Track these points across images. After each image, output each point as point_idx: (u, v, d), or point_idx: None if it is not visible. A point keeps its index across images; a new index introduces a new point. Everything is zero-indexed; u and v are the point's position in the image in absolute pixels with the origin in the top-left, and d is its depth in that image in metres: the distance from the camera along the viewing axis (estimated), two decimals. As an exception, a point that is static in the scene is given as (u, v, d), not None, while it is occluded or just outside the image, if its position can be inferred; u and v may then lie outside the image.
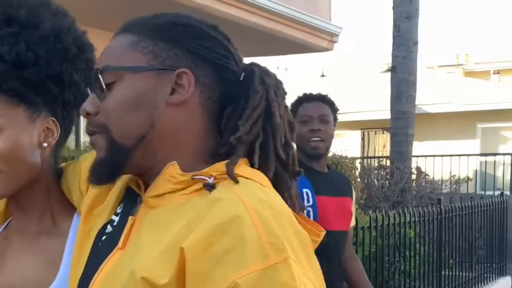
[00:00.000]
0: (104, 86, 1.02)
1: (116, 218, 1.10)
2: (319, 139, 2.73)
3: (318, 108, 2.80)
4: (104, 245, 1.07)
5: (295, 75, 22.16)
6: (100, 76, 1.02)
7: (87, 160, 1.19)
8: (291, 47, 7.83)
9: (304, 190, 2.67)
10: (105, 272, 1.02)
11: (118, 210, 1.11)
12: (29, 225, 1.26)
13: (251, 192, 0.94)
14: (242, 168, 1.00)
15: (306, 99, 2.85)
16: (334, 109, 2.87)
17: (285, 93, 1.09)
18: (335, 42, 8.08)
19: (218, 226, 0.89)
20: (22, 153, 1.19)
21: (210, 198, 0.96)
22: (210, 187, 0.97)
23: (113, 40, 1.08)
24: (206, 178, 0.99)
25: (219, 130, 1.05)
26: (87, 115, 1.05)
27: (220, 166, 0.99)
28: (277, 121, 1.03)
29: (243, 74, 1.06)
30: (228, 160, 0.99)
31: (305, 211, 2.58)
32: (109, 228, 1.10)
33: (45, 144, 1.22)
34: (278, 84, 1.08)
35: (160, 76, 1.01)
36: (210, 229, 0.90)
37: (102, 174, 1.05)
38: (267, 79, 1.06)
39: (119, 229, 1.04)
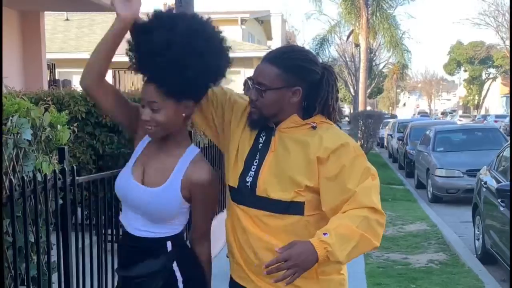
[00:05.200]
0: (262, 91, 2.24)
1: (263, 138, 2.33)
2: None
3: None
4: (261, 150, 2.31)
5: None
6: (258, 86, 2.25)
7: (239, 103, 2.46)
8: (83, 5, 8.52)
9: None
10: (267, 166, 2.27)
11: (262, 134, 2.33)
12: (164, 147, 2.43)
13: (336, 127, 2.33)
14: (324, 119, 2.32)
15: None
16: None
17: (337, 81, 2.39)
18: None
19: (334, 139, 2.25)
20: (171, 121, 2.33)
21: (319, 131, 2.27)
22: (314, 128, 2.28)
23: (265, 65, 2.27)
24: (311, 123, 2.29)
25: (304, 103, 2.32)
26: (251, 100, 2.29)
27: (317, 118, 2.30)
28: (333, 100, 2.31)
29: (320, 73, 2.29)
30: (321, 116, 2.31)
31: None
32: (260, 142, 2.33)
33: (184, 115, 2.35)
34: (335, 79, 2.34)
35: (288, 90, 2.26)
36: (331, 141, 2.24)
37: (256, 125, 2.33)
38: (331, 78, 2.31)
39: (267, 142, 2.31)
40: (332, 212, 2.21)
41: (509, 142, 8.54)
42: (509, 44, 39.38)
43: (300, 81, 2.26)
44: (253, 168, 2.30)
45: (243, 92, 5.80)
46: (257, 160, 2.31)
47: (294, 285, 2.17)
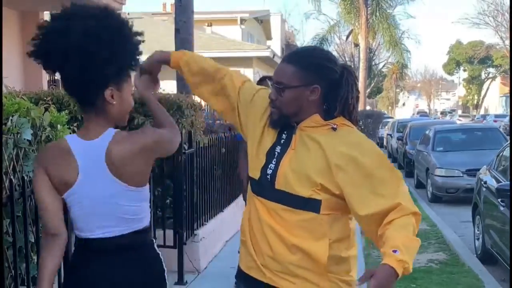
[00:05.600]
0: (280, 91, 2.29)
1: (285, 135, 2.37)
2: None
3: (267, 82, 5.22)
4: (282, 145, 2.35)
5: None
6: (277, 85, 2.30)
7: (265, 98, 2.43)
8: None
9: None
10: (286, 161, 2.32)
11: (284, 132, 2.37)
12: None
13: (357, 131, 2.35)
14: (345, 121, 2.34)
15: (263, 78, 5.71)
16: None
17: (357, 81, 2.41)
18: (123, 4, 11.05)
19: (355, 144, 2.28)
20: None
21: (338, 133, 2.29)
22: (334, 129, 2.30)
23: (283, 64, 2.32)
24: (331, 124, 2.31)
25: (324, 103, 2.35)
26: (271, 100, 2.34)
27: (339, 120, 2.32)
28: (353, 99, 2.34)
29: (339, 72, 2.31)
30: (342, 118, 2.32)
31: None
32: (283, 138, 2.37)
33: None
34: (355, 78, 2.36)
35: (306, 88, 2.29)
36: (351, 144, 2.27)
37: (277, 125, 2.37)
38: (350, 77, 2.33)
39: (288, 140, 2.35)
40: (368, 218, 2.23)
41: (509, 142, 8.54)
42: (509, 44, 39.39)
43: (318, 79, 2.29)
44: (274, 161, 2.35)
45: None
46: (278, 154, 2.35)
47: (307, 280, 2.27)
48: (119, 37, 2.23)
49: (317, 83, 2.28)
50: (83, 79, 2.21)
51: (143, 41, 2.36)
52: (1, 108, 2.84)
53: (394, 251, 2.06)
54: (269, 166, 2.35)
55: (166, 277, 2.43)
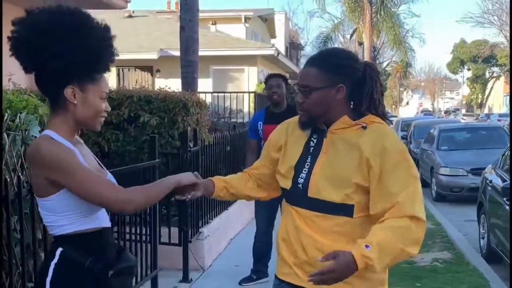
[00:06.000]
0: (307, 93, 2.34)
1: (314, 141, 2.42)
2: (276, 95, 5.79)
3: (275, 80, 5.85)
4: (312, 153, 2.40)
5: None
6: (303, 88, 2.35)
7: (275, 137, 2.59)
8: (89, 4, 8.85)
9: (258, 122, 5.91)
10: (319, 167, 2.35)
11: (313, 137, 2.43)
12: None
13: (386, 127, 2.37)
14: (374, 118, 2.36)
15: (270, 75, 6.04)
16: (284, 79, 5.91)
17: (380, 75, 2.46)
18: (128, 2, 10.86)
19: (382, 144, 2.29)
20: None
21: (368, 131, 2.33)
22: (364, 128, 2.33)
23: (307, 68, 2.37)
24: (361, 123, 2.34)
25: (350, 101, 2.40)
26: (298, 103, 2.39)
27: (368, 118, 2.35)
28: (378, 94, 2.39)
29: (362, 70, 2.36)
30: (372, 116, 2.36)
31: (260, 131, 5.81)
32: (312, 145, 2.42)
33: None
34: (377, 73, 2.42)
35: (331, 88, 2.33)
36: (378, 140, 2.29)
37: (306, 126, 2.42)
38: (373, 73, 2.38)
39: (318, 145, 2.40)
40: (375, 217, 2.28)
41: (514, 141, 8.51)
42: (513, 43, 39.29)
43: (343, 79, 2.33)
44: (305, 170, 2.40)
45: (266, 91, 5.97)
46: (308, 162, 2.40)
47: (343, 281, 2.22)
48: (73, 35, 2.16)
49: (342, 83, 2.33)
50: (38, 73, 2.21)
51: (110, 45, 2.29)
52: (1, 108, 2.84)
53: (366, 246, 2.12)
54: (300, 176, 2.40)
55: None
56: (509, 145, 8.48)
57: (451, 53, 72.75)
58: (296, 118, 2.52)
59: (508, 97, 57.60)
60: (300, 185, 2.39)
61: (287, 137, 2.53)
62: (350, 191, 2.28)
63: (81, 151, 2.29)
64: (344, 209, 2.30)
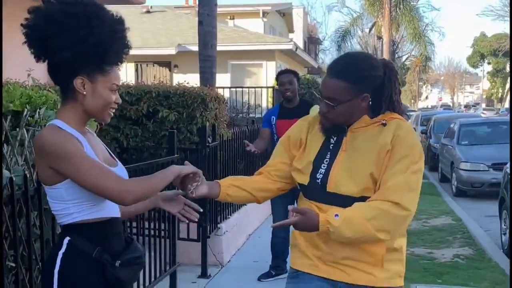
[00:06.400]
0: (332, 105, 2.38)
1: (334, 139, 2.46)
2: (289, 92, 5.82)
3: (287, 76, 5.88)
4: (332, 150, 2.45)
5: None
6: (330, 101, 2.38)
7: (295, 134, 2.61)
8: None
9: (272, 116, 5.93)
10: (339, 163, 2.41)
11: (333, 136, 2.46)
12: None
13: (405, 123, 2.44)
14: (393, 114, 2.44)
15: (281, 72, 6.07)
16: (296, 75, 5.94)
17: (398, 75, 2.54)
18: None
19: (398, 135, 2.37)
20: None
21: (388, 127, 2.40)
22: (384, 125, 2.40)
23: (333, 80, 2.37)
24: (381, 120, 2.41)
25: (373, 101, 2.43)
26: (323, 113, 2.43)
27: (386, 114, 2.43)
28: (397, 95, 2.47)
29: (383, 72, 2.42)
30: (390, 113, 2.44)
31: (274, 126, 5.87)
32: (331, 142, 2.47)
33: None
34: (396, 73, 2.48)
35: (357, 98, 2.38)
36: (395, 134, 2.37)
37: (330, 132, 2.46)
38: (392, 74, 2.45)
39: (338, 143, 2.45)
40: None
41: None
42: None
43: (367, 88, 2.39)
44: (324, 166, 2.45)
45: (278, 87, 5.97)
46: (327, 159, 2.45)
47: (363, 271, 2.38)
48: (84, 26, 2.16)
49: (366, 92, 2.39)
50: (49, 63, 2.22)
51: (122, 38, 2.28)
52: (1, 106, 2.84)
53: (336, 215, 2.26)
54: (319, 171, 2.45)
55: (54, 278, 2.21)
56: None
57: (471, 47, 72.09)
58: (314, 115, 2.59)
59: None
60: (318, 180, 2.43)
61: (308, 133, 2.57)
62: (368, 185, 2.35)
63: (90, 141, 2.28)
64: (362, 202, 2.34)
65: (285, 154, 2.63)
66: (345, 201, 2.35)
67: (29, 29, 2.19)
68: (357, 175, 2.36)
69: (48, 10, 2.18)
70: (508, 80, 66.67)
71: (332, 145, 2.47)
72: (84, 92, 2.21)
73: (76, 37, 2.14)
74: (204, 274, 5.95)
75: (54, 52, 2.15)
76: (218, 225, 6.42)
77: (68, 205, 2.20)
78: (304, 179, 2.48)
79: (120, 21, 2.27)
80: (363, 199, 2.34)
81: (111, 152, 2.44)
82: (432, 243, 7.80)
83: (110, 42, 2.21)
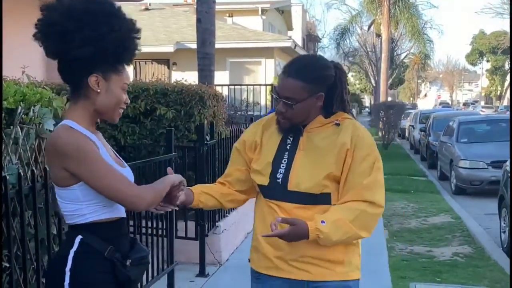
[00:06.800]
0: (290, 104, 2.45)
1: (290, 139, 2.55)
2: None
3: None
4: (289, 150, 2.53)
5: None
6: (287, 100, 2.46)
7: (248, 138, 2.68)
8: None
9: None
10: (297, 162, 2.50)
11: (289, 136, 2.55)
12: None
13: (357, 123, 2.55)
14: (345, 115, 2.56)
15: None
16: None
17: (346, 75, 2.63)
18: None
19: (358, 135, 2.50)
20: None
21: (343, 127, 2.51)
22: (338, 125, 2.52)
23: (290, 80, 2.46)
24: (334, 120, 2.52)
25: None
26: (281, 112, 2.50)
27: (338, 115, 2.54)
28: (346, 94, 2.57)
29: (334, 74, 2.52)
30: (342, 113, 2.55)
31: None
32: (288, 143, 2.55)
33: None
34: (345, 74, 2.59)
35: (313, 97, 2.47)
36: (353, 135, 2.49)
37: (288, 131, 2.54)
38: (342, 75, 2.55)
39: (295, 143, 2.54)
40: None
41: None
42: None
43: (322, 87, 2.50)
44: (283, 166, 2.53)
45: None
46: (286, 159, 2.54)
47: (326, 268, 2.50)
48: (104, 23, 2.19)
49: (321, 91, 2.50)
50: (65, 59, 2.22)
51: (137, 38, 2.31)
52: (1, 105, 2.79)
53: (322, 222, 2.37)
54: (279, 171, 2.53)
55: (65, 277, 2.20)
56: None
57: (470, 45, 72.07)
58: (268, 117, 2.69)
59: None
60: (279, 180, 2.52)
61: (262, 136, 2.65)
62: (327, 182, 2.47)
63: (101, 141, 2.30)
64: (323, 199, 2.47)
65: (240, 160, 2.72)
66: (305, 198, 2.47)
67: (48, 25, 2.19)
68: (317, 173, 2.47)
69: (68, 7, 2.19)
70: (508, 78, 66.67)
71: (289, 145, 2.56)
72: (98, 90, 2.22)
73: (97, 33, 2.16)
74: (202, 273, 5.92)
75: (74, 49, 2.16)
76: (216, 224, 6.38)
77: (82, 206, 2.21)
78: (264, 180, 2.56)
79: (134, 22, 2.31)
80: (323, 195, 2.47)
81: (116, 153, 2.44)
82: (431, 242, 7.78)
83: (128, 41, 2.25)
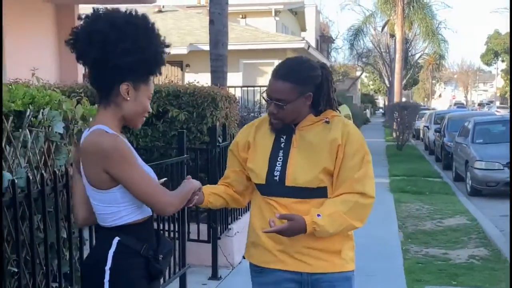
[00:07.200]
0: (281, 105, 2.60)
1: (283, 138, 2.70)
2: None
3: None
4: (283, 148, 2.67)
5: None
6: (278, 102, 2.60)
7: (241, 139, 2.82)
8: None
9: None
10: (292, 159, 2.65)
11: (282, 135, 2.70)
12: None
13: (345, 120, 2.74)
14: (333, 113, 2.73)
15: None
16: None
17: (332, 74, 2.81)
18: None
19: (348, 131, 2.66)
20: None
21: (333, 124, 2.68)
22: (327, 122, 2.69)
23: (279, 82, 2.61)
24: (324, 118, 2.69)
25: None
26: (273, 113, 2.64)
27: (327, 113, 2.71)
28: (333, 92, 2.73)
29: (321, 73, 2.68)
30: (330, 111, 2.72)
31: None
32: (282, 141, 2.69)
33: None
34: (331, 74, 2.76)
35: (301, 97, 2.62)
36: (343, 132, 2.66)
37: (280, 131, 2.69)
38: (328, 74, 2.72)
39: (288, 141, 2.68)
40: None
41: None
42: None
43: (310, 87, 2.66)
44: (279, 164, 2.68)
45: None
46: (281, 157, 2.69)
47: (324, 260, 2.67)
48: (143, 36, 2.34)
49: (310, 91, 2.66)
50: (100, 66, 2.32)
51: (167, 53, 2.47)
52: (1, 104, 2.76)
53: (318, 215, 2.54)
54: (276, 169, 2.68)
55: (105, 277, 2.34)
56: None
57: (484, 45, 71.56)
58: (261, 118, 2.85)
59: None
60: (276, 178, 2.66)
61: (255, 136, 2.79)
62: (322, 176, 2.63)
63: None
64: (319, 192, 2.64)
65: (235, 161, 2.87)
66: (303, 192, 2.63)
67: (90, 32, 2.30)
68: (312, 168, 2.63)
69: (111, 18, 2.34)
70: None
71: (283, 143, 2.71)
72: (128, 98, 2.36)
73: (137, 45, 2.31)
74: (214, 276, 5.88)
75: (115, 57, 2.28)
76: (229, 226, 6.34)
77: (120, 208, 2.35)
78: (261, 179, 2.70)
79: (165, 37, 2.48)
80: (319, 189, 2.63)
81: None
82: (446, 244, 7.68)
83: (160, 55, 2.42)
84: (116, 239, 2.36)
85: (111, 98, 2.36)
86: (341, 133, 2.66)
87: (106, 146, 2.24)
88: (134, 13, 2.39)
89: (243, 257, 2.89)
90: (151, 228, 2.51)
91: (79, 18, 2.39)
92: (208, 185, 2.93)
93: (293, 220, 2.52)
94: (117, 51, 2.27)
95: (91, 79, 2.41)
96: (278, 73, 2.65)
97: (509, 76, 67.60)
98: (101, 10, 2.39)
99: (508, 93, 69.68)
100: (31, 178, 2.89)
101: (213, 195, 2.83)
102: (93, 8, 2.40)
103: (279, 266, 2.70)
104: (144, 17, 2.41)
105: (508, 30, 64.47)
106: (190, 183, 2.58)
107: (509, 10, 45.54)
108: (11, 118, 2.89)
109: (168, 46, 2.45)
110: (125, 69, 2.31)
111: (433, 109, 41.99)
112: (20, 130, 2.99)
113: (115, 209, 2.35)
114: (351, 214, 2.59)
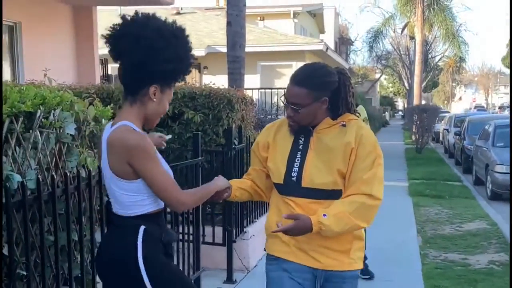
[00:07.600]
0: (296, 109, 2.72)
1: (302, 140, 2.81)
2: None
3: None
4: (301, 150, 2.79)
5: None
6: (294, 106, 2.73)
7: (263, 139, 2.96)
8: (139, 0, 10.31)
9: None
10: (309, 160, 2.76)
11: (301, 137, 2.81)
12: None
13: (360, 123, 2.82)
14: (351, 116, 2.82)
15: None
16: None
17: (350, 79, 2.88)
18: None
19: (362, 134, 2.75)
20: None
21: (349, 127, 2.77)
22: (344, 125, 2.78)
23: (295, 88, 2.73)
24: (340, 122, 2.79)
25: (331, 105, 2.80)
26: (289, 116, 2.78)
27: (345, 116, 2.81)
28: (351, 97, 2.82)
29: (338, 80, 2.77)
30: (348, 114, 2.81)
31: None
32: (300, 143, 2.81)
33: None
34: (349, 78, 2.84)
35: (318, 102, 2.73)
36: (357, 134, 2.75)
37: (298, 132, 2.81)
38: (345, 80, 2.81)
39: (306, 143, 2.80)
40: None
41: None
42: None
43: (326, 92, 2.76)
44: (296, 165, 2.80)
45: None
46: (299, 158, 2.81)
47: (334, 258, 2.79)
48: (182, 48, 2.56)
49: (325, 96, 2.76)
50: (140, 68, 2.47)
51: (194, 63, 2.67)
52: (1, 103, 2.73)
53: (324, 215, 2.64)
54: (293, 170, 2.80)
55: (140, 264, 2.51)
56: None
57: (506, 47, 70.82)
58: (281, 120, 2.97)
59: None
60: (294, 178, 2.78)
61: (275, 136, 2.92)
62: (337, 178, 2.73)
63: None
64: (334, 194, 2.74)
65: (256, 160, 3.01)
66: (318, 193, 2.74)
67: (138, 37, 2.46)
68: (327, 170, 2.73)
69: (158, 27, 2.52)
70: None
71: (301, 145, 2.83)
72: (154, 99, 2.55)
73: (177, 55, 2.52)
74: (229, 279, 5.82)
75: (158, 63, 2.47)
76: (245, 229, 6.28)
77: (144, 197, 2.53)
78: (280, 179, 2.82)
79: (191, 43, 2.65)
80: (335, 191, 2.74)
81: None
82: (466, 249, 7.56)
83: (189, 62, 2.62)
84: (142, 227, 2.53)
85: (138, 96, 2.53)
86: (355, 136, 2.75)
87: (132, 143, 2.41)
88: (175, 25, 2.58)
89: (264, 250, 3.00)
90: (164, 218, 2.71)
91: (123, 18, 2.54)
92: (234, 179, 3.11)
93: (298, 220, 2.63)
94: (160, 58, 2.46)
95: (122, 76, 2.55)
96: (295, 79, 2.77)
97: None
98: (145, 15, 2.55)
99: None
100: (41, 180, 2.85)
101: (239, 189, 2.99)
102: (135, 11, 2.57)
103: (292, 258, 2.83)
104: (183, 30, 2.60)
105: (530, 32, 63.73)
106: (215, 183, 2.80)
107: (509, 9, 45.10)
108: (21, 119, 2.86)
109: (194, 58, 2.64)
110: (161, 74, 2.51)
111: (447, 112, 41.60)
112: (31, 131, 2.95)
113: (139, 197, 2.52)
114: (356, 215, 2.68)
